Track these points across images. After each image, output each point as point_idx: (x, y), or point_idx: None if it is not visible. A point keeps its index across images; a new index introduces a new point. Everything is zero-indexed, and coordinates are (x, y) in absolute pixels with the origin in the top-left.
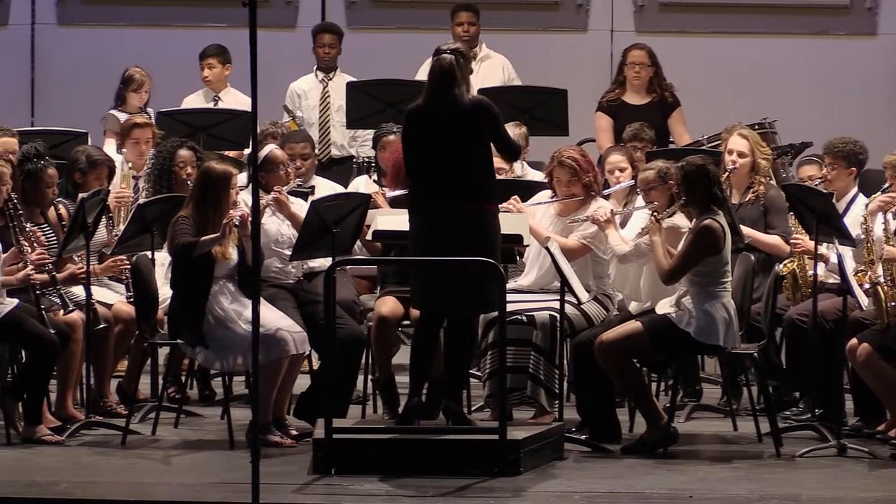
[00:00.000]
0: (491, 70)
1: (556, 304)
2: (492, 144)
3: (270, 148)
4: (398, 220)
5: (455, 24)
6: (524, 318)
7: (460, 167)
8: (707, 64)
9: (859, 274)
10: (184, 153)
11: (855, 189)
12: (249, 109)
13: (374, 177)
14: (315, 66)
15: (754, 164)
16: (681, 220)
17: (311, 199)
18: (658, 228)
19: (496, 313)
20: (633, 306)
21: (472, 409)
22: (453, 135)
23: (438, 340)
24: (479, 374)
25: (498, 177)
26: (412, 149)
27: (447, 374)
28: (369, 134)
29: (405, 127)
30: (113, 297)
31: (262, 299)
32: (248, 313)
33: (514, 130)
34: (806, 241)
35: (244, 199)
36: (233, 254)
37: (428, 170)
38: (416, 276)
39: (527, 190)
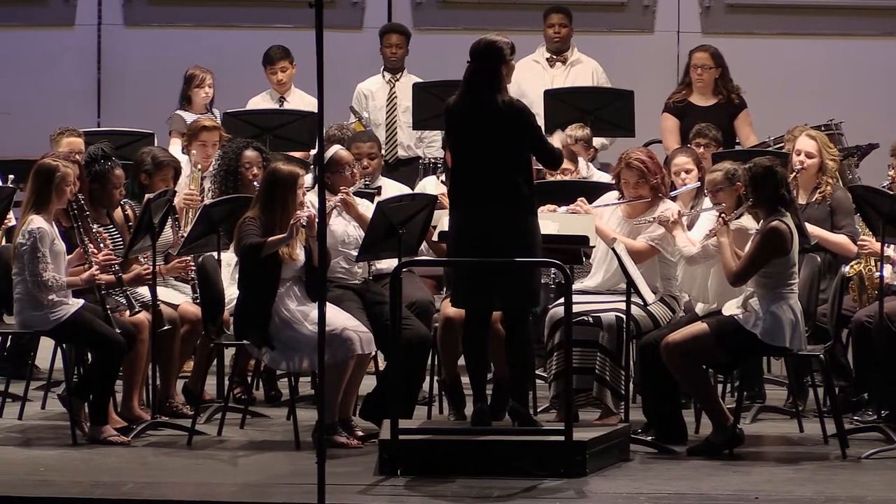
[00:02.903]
0: (581, 74)
1: (623, 306)
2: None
3: (336, 149)
4: None
5: (546, 25)
6: (590, 319)
7: (494, 169)
8: (773, 65)
9: None
10: (250, 154)
11: None
12: (315, 110)
13: (442, 177)
14: (382, 67)
15: (822, 164)
16: (748, 222)
17: (377, 199)
18: (726, 230)
19: (563, 314)
20: (699, 307)
21: (539, 410)
22: (487, 135)
23: (489, 339)
24: (545, 375)
25: (564, 178)
26: (452, 145)
27: (512, 376)
28: (436, 135)
29: (445, 122)
30: (179, 297)
31: (328, 300)
32: (315, 314)
33: (577, 132)
34: (873, 243)
35: (311, 200)
36: (300, 255)
37: (466, 169)
38: (462, 275)
39: (593, 191)
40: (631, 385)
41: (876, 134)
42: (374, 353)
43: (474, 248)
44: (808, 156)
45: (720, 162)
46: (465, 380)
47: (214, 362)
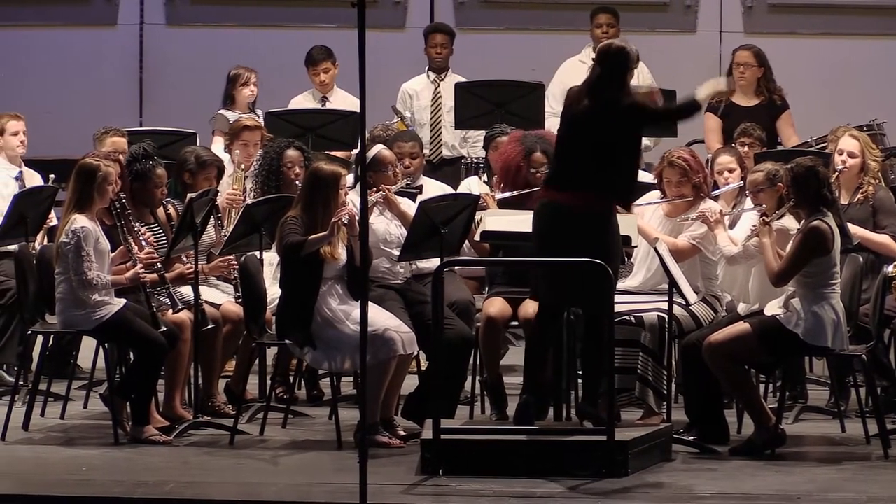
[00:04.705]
0: None
1: (665, 305)
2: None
3: (379, 148)
4: (507, 221)
5: (594, 25)
6: (632, 318)
7: (602, 163)
8: (815, 65)
9: None
10: (291, 153)
11: None
12: (358, 110)
13: (485, 177)
14: (427, 67)
15: (864, 164)
16: (790, 222)
17: (419, 198)
18: (767, 230)
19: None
20: (741, 307)
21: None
22: (595, 131)
23: (552, 340)
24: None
25: None
26: (562, 135)
27: (583, 376)
28: (480, 135)
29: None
30: (221, 297)
31: (369, 300)
32: (357, 314)
33: None
34: None
35: (353, 199)
36: (342, 254)
37: (566, 158)
38: (540, 270)
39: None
40: (673, 385)
41: None
42: (415, 353)
43: (559, 241)
44: (851, 156)
45: (762, 162)
46: (507, 380)
47: (256, 362)
